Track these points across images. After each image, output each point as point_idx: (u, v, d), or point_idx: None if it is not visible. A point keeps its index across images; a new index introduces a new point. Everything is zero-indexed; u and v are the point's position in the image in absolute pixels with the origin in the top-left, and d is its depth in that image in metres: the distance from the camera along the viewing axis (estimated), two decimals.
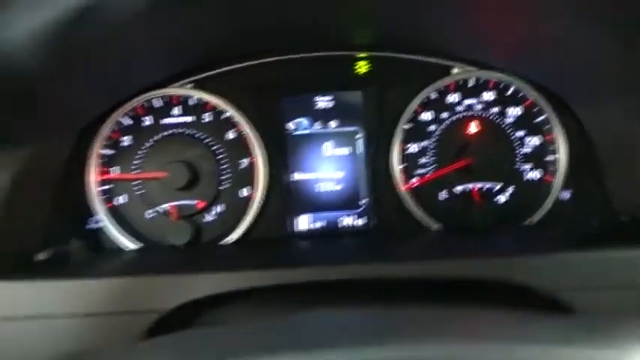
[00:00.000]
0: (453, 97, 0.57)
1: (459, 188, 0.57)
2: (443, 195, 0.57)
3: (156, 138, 0.56)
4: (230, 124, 0.57)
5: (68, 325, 0.41)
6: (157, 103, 0.57)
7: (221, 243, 0.55)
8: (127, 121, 0.57)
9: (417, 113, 0.57)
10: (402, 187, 0.56)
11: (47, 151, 0.50)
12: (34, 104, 0.46)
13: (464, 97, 0.58)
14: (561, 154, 0.56)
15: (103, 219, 0.55)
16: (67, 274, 0.43)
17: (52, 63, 0.43)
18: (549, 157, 0.57)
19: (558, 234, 0.51)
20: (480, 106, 0.57)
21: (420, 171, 0.57)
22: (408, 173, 0.57)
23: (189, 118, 0.57)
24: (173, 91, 0.57)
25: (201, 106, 0.57)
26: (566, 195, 0.56)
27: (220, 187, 0.56)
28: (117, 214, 0.56)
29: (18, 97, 0.43)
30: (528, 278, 0.39)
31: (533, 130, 0.57)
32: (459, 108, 0.57)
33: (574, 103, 0.54)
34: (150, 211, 0.56)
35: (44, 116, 0.48)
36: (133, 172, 0.56)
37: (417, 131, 0.57)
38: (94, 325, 0.41)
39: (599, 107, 0.51)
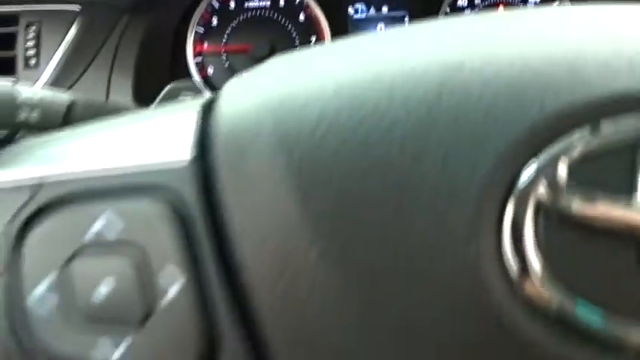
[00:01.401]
0: None
1: None
2: None
3: (240, 19, 0.68)
4: (302, 7, 0.69)
5: None
6: None
7: None
8: (217, 4, 0.68)
9: (455, 0, 0.70)
10: None
11: (161, 24, 0.62)
12: None
13: None
14: None
15: (199, 85, 0.68)
16: None
17: None
18: None
19: None
20: None
21: None
22: None
23: (267, 2, 0.69)
24: None
25: None
26: None
27: None
28: (209, 82, 0.68)
29: None
30: None
31: None
32: None
33: None
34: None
35: None
36: (223, 46, 0.68)
37: (456, 15, 0.70)
38: None
39: None
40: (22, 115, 0.28)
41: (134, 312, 0.15)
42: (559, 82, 0.15)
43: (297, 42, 0.68)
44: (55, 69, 0.53)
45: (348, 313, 0.14)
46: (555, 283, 0.14)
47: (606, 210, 0.14)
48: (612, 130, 0.15)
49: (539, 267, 0.14)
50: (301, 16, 0.68)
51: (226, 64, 0.68)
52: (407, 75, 0.16)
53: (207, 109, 0.18)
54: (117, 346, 0.15)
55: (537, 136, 0.15)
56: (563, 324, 0.14)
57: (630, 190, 0.14)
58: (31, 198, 0.16)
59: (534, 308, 0.14)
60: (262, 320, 0.15)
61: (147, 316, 0.15)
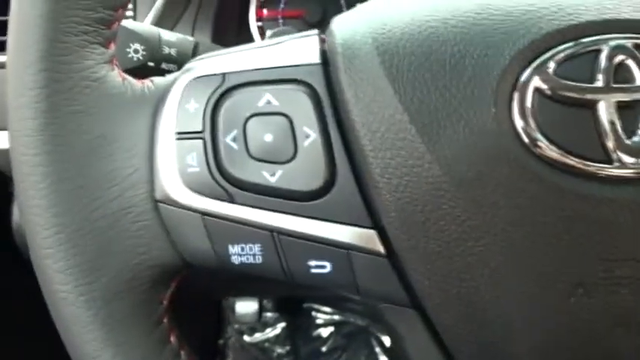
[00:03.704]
0: None
1: None
2: None
3: None
4: None
5: None
6: None
7: None
8: None
9: None
10: None
11: None
12: None
13: None
14: None
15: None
16: None
17: None
18: None
19: None
20: None
21: None
22: None
23: None
24: None
25: None
26: None
27: None
28: None
29: None
30: None
31: None
32: None
33: None
34: None
35: None
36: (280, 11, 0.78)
37: None
38: None
39: None
40: (165, 51, 0.38)
41: (284, 154, 0.25)
42: (551, 14, 0.24)
43: (344, 9, 0.77)
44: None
45: (420, 151, 0.24)
46: (541, 133, 0.23)
47: (576, 89, 0.23)
48: (585, 43, 0.24)
49: (533, 124, 0.23)
50: None
51: (284, 28, 0.78)
52: (454, 8, 0.25)
53: (322, 34, 0.27)
54: (273, 175, 0.25)
55: (535, 48, 0.24)
56: (539, 158, 0.23)
57: (592, 79, 0.23)
58: (221, 83, 0.26)
59: (528, 147, 0.23)
60: (367, 165, 0.25)
61: (292, 157, 0.25)
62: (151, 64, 0.37)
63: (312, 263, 0.26)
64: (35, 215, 0.25)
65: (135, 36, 0.36)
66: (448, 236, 0.24)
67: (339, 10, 0.79)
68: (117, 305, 0.26)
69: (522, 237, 0.23)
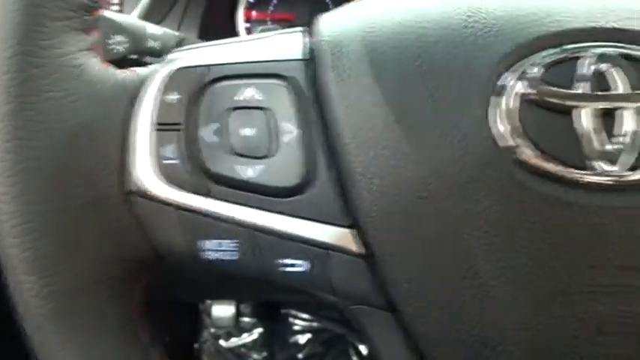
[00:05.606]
0: None
1: None
2: None
3: None
4: None
5: None
6: None
7: None
8: None
9: None
10: None
11: None
12: None
13: None
14: None
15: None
16: None
17: None
18: None
19: None
20: None
21: None
22: None
23: None
24: None
25: None
26: None
27: None
28: None
29: None
30: None
31: None
32: None
33: None
34: None
35: None
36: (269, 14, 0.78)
37: None
38: None
39: None
40: (150, 44, 0.37)
41: (264, 148, 0.25)
42: (539, 19, 0.24)
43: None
44: None
45: (404, 152, 0.23)
46: (523, 138, 0.23)
47: (559, 95, 0.23)
48: (570, 49, 0.24)
49: (516, 128, 0.23)
50: None
51: (273, 27, 0.77)
52: (445, 10, 0.25)
53: (307, 30, 0.27)
54: (252, 170, 0.25)
55: (520, 52, 0.24)
56: (520, 163, 0.23)
57: (575, 85, 0.23)
58: (204, 75, 0.25)
59: (510, 151, 0.23)
60: (348, 163, 0.24)
61: (272, 152, 0.25)
62: (134, 56, 0.36)
63: (288, 262, 0.25)
64: (3, 203, 0.24)
65: (118, 27, 0.35)
66: (429, 238, 0.23)
67: None
68: (84, 299, 0.25)
69: (504, 241, 0.23)
